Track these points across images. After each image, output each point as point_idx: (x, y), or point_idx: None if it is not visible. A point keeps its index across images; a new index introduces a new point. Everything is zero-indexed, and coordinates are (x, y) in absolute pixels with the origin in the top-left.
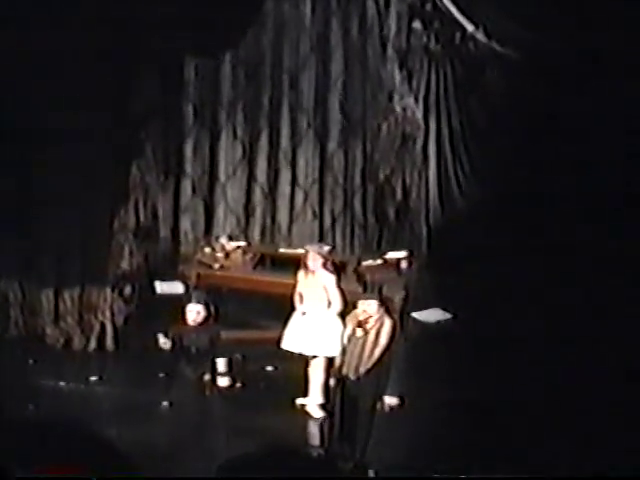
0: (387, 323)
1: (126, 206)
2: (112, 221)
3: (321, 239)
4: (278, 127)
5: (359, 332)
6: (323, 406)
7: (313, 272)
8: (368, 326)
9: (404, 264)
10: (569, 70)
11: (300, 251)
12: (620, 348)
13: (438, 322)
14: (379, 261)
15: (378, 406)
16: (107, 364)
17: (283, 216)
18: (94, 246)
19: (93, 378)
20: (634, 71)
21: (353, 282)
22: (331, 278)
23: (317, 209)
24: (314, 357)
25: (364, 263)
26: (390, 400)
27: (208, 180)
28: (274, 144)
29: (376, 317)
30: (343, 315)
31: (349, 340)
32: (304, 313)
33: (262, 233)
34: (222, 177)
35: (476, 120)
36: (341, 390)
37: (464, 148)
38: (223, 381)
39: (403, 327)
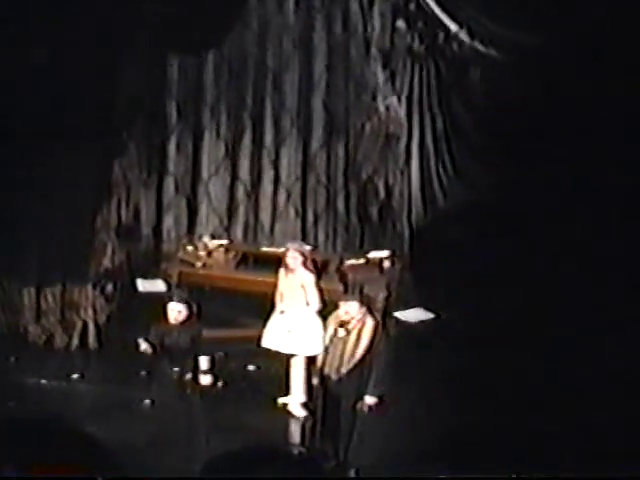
0: (369, 323)
1: (108, 204)
2: (94, 219)
3: (304, 238)
4: (261, 126)
5: (341, 332)
6: (305, 405)
7: (293, 270)
8: (350, 327)
9: (386, 263)
10: (552, 70)
11: (283, 250)
12: (606, 345)
13: (420, 321)
14: (361, 260)
15: (358, 406)
16: (89, 362)
17: (266, 215)
18: (76, 244)
19: (75, 376)
20: (618, 69)
21: (335, 281)
22: (310, 277)
23: (300, 208)
24: (294, 356)
25: (346, 262)
26: (370, 400)
27: (191, 178)
28: (257, 143)
29: (358, 318)
30: (322, 314)
31: (331, 340)
32: (282, 312)
33: (245, 232)
34: (205, 176)
35: (459, 120)
36: (323, 390)
37: (447, 148)
38: (205, 379)
39: (385, 327)
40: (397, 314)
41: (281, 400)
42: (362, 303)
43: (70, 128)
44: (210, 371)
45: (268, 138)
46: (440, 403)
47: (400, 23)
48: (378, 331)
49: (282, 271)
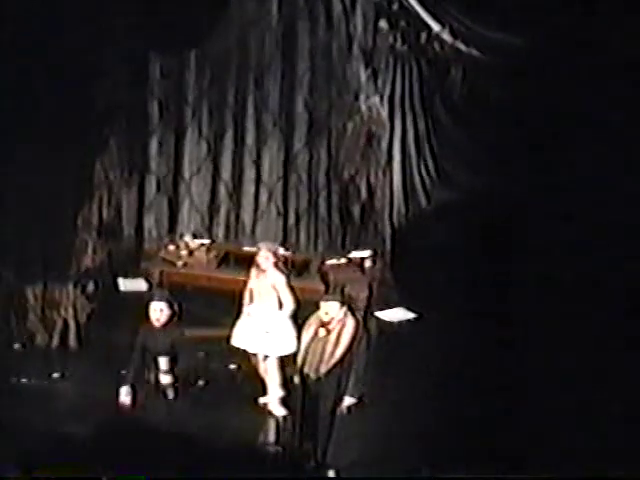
0: (349, 324)
1: (90, 203)
2: (75, 218)
3: (285, 237)
4: (243, 125)
5: (322, 332)
6: (285, 403)
7: (264, 271)
8: (330, 327)
9: (368, 263)
10: (535, 70)
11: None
12: (594, 342)
13: (402, 321)
14: (343, 260)
15: (338, 407)
16: (69, 361)
17: (247, 214)
18: (57, 243)
19: (55, 375)
20: (601, 68)
21: (317, 281)
22: (281, 278)
23: (281, 207)
24: (266, 357)
25: (328, 262)
26: (349, 401)
27: (172, 178)
28: (239, 142)
29: (339, 318)
30: (303, 314)
31: (311, 340)
32: (249, 314)
33: (226, 231)
34: (187, 175)
35: (441, 120)
36: (302, 389)
37: (429, 148)
38: (165, 379)
39: (367, 326)
40: (378, 314)
41: (261, 400)
42: (342, 303)
43: (51, 127)
44: (171, 370)
45: (250, 138)
46: (422, 403)
47: (382, 23)
48: (358, 332)
49: (253, 271)
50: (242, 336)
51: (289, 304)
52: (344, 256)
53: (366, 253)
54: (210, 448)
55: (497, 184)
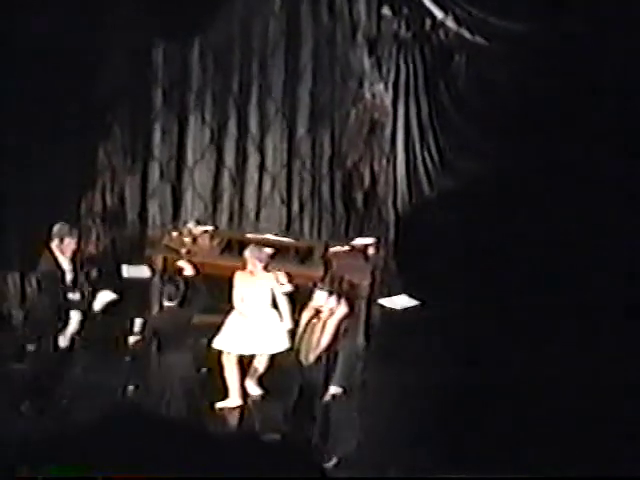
0: (338, 313)
1: (93, 190)
2: (79, 205)
3: (289, 225)
4: (246, 112)
5: (314, 320)
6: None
7: (253, 273)
8: (321, 315)
9: (371, 250)
10: (539, 57)
11: (268, 236)
12: (596, 334)
13: (405, 308)
14: (346, 247)
15: (323, 396)
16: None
17: (251, 201)
18: None
19: None
20: (605, 56)
21: (320, 268)
22: (272, 281)
23: (285, 195)
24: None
25: (331, 249)
26: (334, 390)
27: (176, 164)
28: (242, 129)
29: (329, 307)
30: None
31: (304, 329)
32: (242, 314)
33: (230, 218)
34: (190, 162)
35: (445, 107)
36: (297, 376)
37: (433, 135)
38: (133, 339)
39: (370, 313)
40: (382, 301)
41: (219, 405)
42: (331, 293)
43: (55, 113)
44: (141, 332)
45: (253, 125)
46: (424, 390)
47: (386, 10)
48: (346, 321)
49: (241, 274)
50: (233, 337)
51: (285, 306)
52: (347, 243)
53: (369, 240)
54: (207, 436)
55: (501, 171)
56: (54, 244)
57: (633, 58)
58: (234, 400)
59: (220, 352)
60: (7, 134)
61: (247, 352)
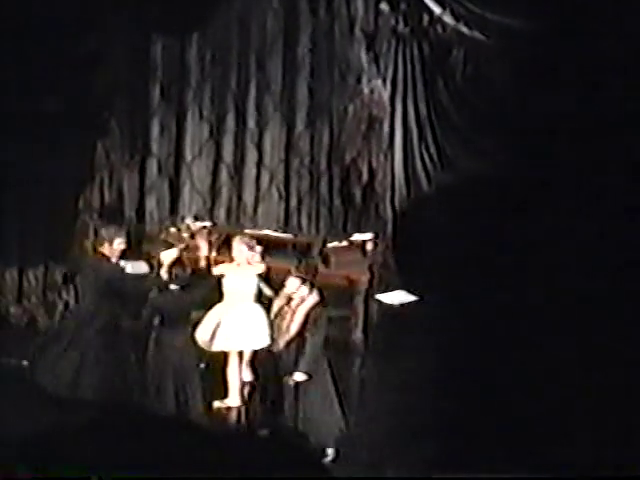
0: (308, 301)
1: (91, 186)
2: (77, 201)
3: (287, 220)
4: (245, 108)
5: (285, 308)
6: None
7: (239, 264)
8: (293, 302)
9: (369, 246)
10: (537, 53)
11: (266, 232)
12: (594, 330)
13: (402, 304)
14: (344, 243)
15: (286, 381)
16: None
17: (249, 197)
18: (59, 225)
19: None
20: (604, 51)
21: (318, 263)
22: (255, 273)
23: (283, 190)
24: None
25: (329, 245)
26: (298, 377)
27: (174, 160)
28: (240, 125)
29: (301, 294)
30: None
31: (276, 316)
32: (228, 306)
33: (228, 214)
34: (188, 157)
35: (443, 103)
36: (266, 361)
37: (431, 131)
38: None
39: (367, 308)
40: (379, 297)
41: (216, 404)
42: (304, 281)
43: (52, 109)
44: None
45: (251, 120)
46: (420, 387)
47: (384, 5)
48: (316, 309)
49: (227, 266)
50: (212, 332)
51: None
52: (346, 239)
53: (368, 236)
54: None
55: (499, 167)
56: (105, 248)
57: (631, 52)
58: (234, 400)
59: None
60: (5, 131)
61: (224, 349)
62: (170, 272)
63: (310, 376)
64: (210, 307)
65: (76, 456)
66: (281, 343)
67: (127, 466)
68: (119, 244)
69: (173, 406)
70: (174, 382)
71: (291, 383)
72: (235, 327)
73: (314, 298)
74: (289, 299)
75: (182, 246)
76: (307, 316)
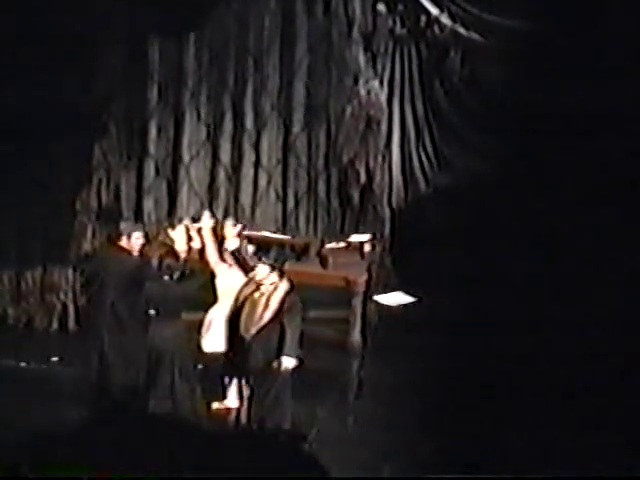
0: (281, 287)
1: (89, 187)
2: (74, 201)
3: (284, 221)
4: (242, 109)
5: (256, 295)
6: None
7: (230, 265)
8: (263, 289)
9: (367, 247)
10: (534, 53)
11: (264, 233)
12: (593, 331)
13: (400, 305)
14: (342, 244)
15: (275, 367)
16: (69, 345)
17: (246, 198)
18: (56, 226)
19: (54, 358)
20: (602, 52)
21: (316, 264)
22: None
23: (281, 191)
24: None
25: (327, 246)
26: (288, 362)
27: (171, 161)
28: (238, 126)
29: (271, 281)
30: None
31: (243, 302)
32: (220, 307)
33: (225, 215)
34: (186, 158)
35: (440, 104)
36: (237, 349)
37: (428, 132)
38: None
39: (365, 309)
40: (377, 297)
41: (215, 405)
42: (273, 268)
43: (50, 111)
44: None
45: (249, 121)
46: (418, 387)
47: (381, 6)
48: (289, 296)
49: (220, 266)
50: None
51: None
52: (343, 240)
53: (365, 237)
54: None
55: (496, 167)
56: (123, 242)
57: (629, 51)
58: (232, 401)
59: None
60: (3, 133)
61: (215, 349)
62: (161, 263)
63: (302, 361)
64: (207, 309)
65: (74, 455)
66: (253, 330)
67: (119, 465)
68: (137, 238)
69: (166, 400)
70: (167, 376)
71: (283, 369)
72: (220, 328)
73: (286, 285)
74: (258, 286)
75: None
76: (281, 304)
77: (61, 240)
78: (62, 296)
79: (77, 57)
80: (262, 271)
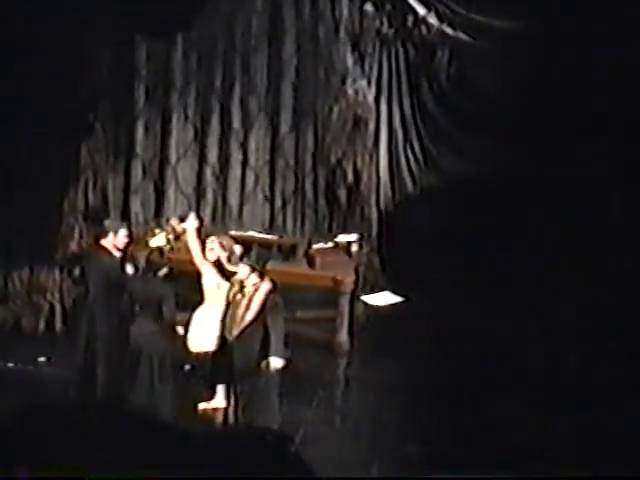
0: (262, 288)
1: (76, 187)
2: (62, 202)
3: (272, 221)
4: (229, 109)
5: (239, 296)
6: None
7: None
8: (246, 290)
9: (354, 247)
10: (522, 54)
11: (251, 233)
12: (588, 329)
13: (388, 305)
14: (330, 244)
15: (263, 368)
16: (56, 345)
17: (234, 198)
18: (43, 227)
19: (42, 359)
20: (589, 51)
21: (304, 265)
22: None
23: (268, 191)
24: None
25: (315, 246)
26: (276, 362)
27: (159, 162)
28: (225, 126)
29: (253, 282)
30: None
31: (230, 303)
32: (205, 307)
33: (213, 215)
34: (173, 159)
35: (428, 104)
36: (219, 350)
37: (415, 132)
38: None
39: (353, 309)
40: (365, 298)
41: (201, 405)
42: (253, 269)
43: (37, 111)
44: None
45: (236, 121)
46: (406, 388)
47: (368, 6)
48: (272, 295)
49: (207, 267)
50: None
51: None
52: (331, 240)
53: (353, 237)
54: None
55: (483, 168)
56: (107, 240)
57: (619, 52)
58: (219, 401)
59: None
60: None
61: (198, 349)
62: (148, 260)
63: (289, 361)
64: (193, 309)
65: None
66: (235, 331)
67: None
68: (124, 236)
69: (150, 400)
70: (149, 376)
71: (272, 370)
72: (206, 328)
73: (267, 286)
74: (242, 286)
75: (167, 247)
76: (263, 305)
77: (48, 241)
78: (49, 297)
79: (64, 57)
80: (243, 271)
